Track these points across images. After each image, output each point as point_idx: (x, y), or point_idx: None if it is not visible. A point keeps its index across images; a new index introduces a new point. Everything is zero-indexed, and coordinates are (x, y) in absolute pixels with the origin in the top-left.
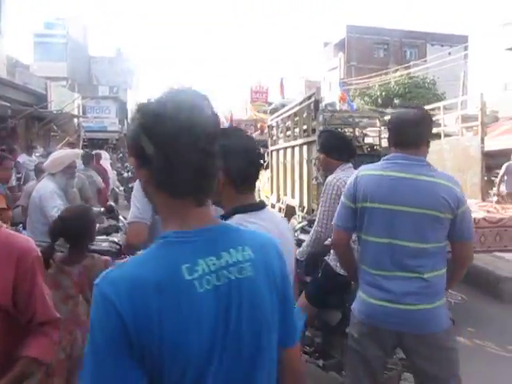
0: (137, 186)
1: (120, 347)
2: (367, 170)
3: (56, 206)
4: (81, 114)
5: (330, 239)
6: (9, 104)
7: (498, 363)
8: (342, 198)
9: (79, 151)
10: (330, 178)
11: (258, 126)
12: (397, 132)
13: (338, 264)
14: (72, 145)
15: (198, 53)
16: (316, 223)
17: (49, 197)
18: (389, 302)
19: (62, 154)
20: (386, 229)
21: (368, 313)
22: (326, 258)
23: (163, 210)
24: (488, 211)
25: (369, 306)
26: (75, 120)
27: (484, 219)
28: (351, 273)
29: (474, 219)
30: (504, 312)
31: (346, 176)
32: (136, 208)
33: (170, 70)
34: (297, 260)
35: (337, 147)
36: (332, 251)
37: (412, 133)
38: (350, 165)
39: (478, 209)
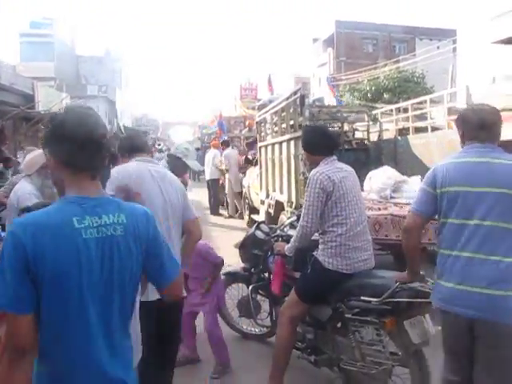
0: None
1: (21, 268)
2: (446, 159)
3: None
4: None
5: (316, 234)
6: None
7: None
8: (423, 184)
9: None
10: (312, 172)
11: (247, 123)
12: (476, 128)
13: (327, 259)
14: None
15: (188, 51)
16: (301, 218)
17: (26, 198)
18: (467, 285)
19: (35, 154)
20: (465, 210)
21: (445, 298)
22: (314, 253)
23: (67, 182)
24: None
25: (446, 290)
26: None
27: None
28: (414, 260)
29: None
30: None
31: (329, 169)
32: None
33: (160, 69)
34: (285, 256)
35: (316, 143)
36: (320, 246)
37: (492, 129)
38: (334, 157)
39: None
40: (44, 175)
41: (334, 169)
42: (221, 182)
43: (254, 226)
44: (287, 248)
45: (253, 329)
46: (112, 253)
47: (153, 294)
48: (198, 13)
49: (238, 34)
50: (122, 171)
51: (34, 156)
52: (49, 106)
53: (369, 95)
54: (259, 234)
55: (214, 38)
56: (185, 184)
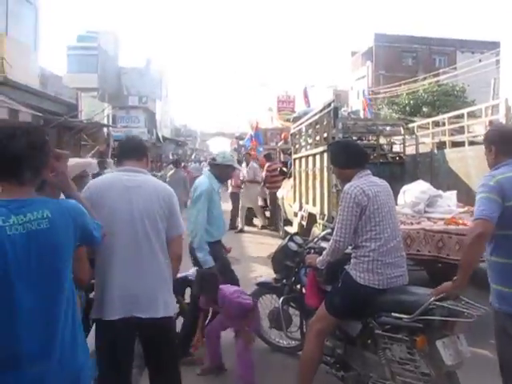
0: None
1: None
2: (505, 172)
3: None
4: (110, 123)
5: (349, 248)
6: (41, 114)
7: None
8: (488, 193)
9: (91, 160)
10: (347, 186)
11: (283, 135)
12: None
13: (359, 274)
14: (101, 153)
15: (228, 62)
16: (334, 233)
17: None
18: None
19: (71, 163)
20: None
21: (501, 301)
22: (346, 267)
23: (3, 189)
24: None
25: (502, 295)
26: (105, 129)
27: None
28: (470, 272)
29: None
30: None
31: (364, 183)
32: None
33: (199, 80)
34: (317, 269)
35: (345, 157)
36: (352, 260)
37: None
38: (368, 171)
39: None
40: (80, 184)
41: (369, 183)
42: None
43: (288, 238)
44: (319, 261)
45: (283, 341)
46: (39, 244)
47: (112, 313)
48: (238, 22)
49: (277, 45)
50: (92, 184)
51: (72, 165)
52: (91, 116)
53: (407, 109)
54: (292, 245)
55: (253, 49)
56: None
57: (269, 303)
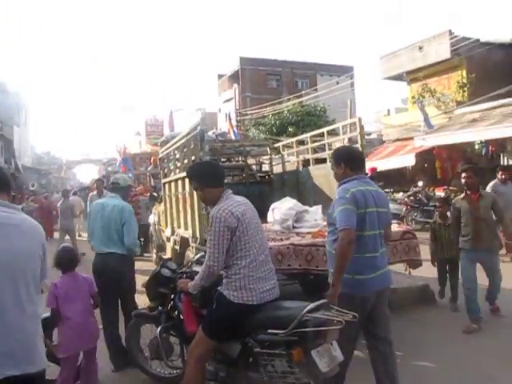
0: None
1: None
2: (355, 186)
3: None
4: None
5: (223, 271)
6: None
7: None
8: (346, 204)
9: None
10: (215, 209)
11: (152, 159)
12: (360, 161)
13: (232, 292)
14: None
15: (93, 84)
16: (207, 257)
17: None
18: None
19: None
20: (371, 224)
21: (357, 287)
22: (218, 288)
23: None
24: None
25: (359, 281)
26: None
27: None
28: (344, 269)
29: None
30: (394, 321)
31: (231, 204)
32: None
33: (61, 104)
34: (190, 293)
35: (205, 175)
36: (224, 280)
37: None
38: (230, 191)
39: None
40: None
41: (235, 203)
42: None
43: (160, 264)
44: (191, 285)
45: (164, 371)
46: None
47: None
48: (104, 43)
49: (145, 68)
50: None
51: None
52: None
53: (274, 129)
54: (165, 271)
55: (119, 70)
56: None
57: (149, 333)
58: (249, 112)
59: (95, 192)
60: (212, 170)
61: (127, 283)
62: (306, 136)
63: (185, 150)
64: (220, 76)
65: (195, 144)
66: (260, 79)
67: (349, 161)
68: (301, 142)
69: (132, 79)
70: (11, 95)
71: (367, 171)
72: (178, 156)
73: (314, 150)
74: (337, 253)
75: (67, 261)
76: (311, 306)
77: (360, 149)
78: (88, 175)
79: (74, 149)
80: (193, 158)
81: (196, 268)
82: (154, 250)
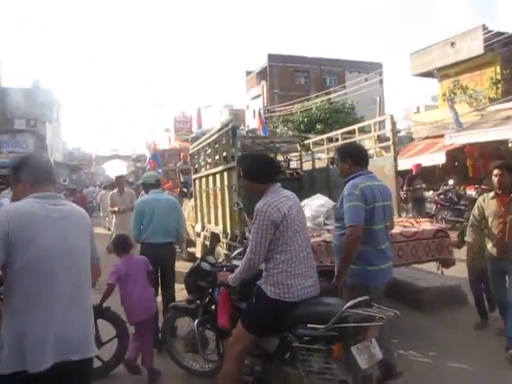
0: None
1: None
2: (363, 182)
3: None
4: None
5: (263, 265)
6: None
7: (422, 368)
8: (355, 201)
9: None
10: (260, 204)
11: (181, 155)
12: (361, 158)
13: (269, 287)
14: None
15: (122, 81)
16: (249, 250)
17: None
18: None
19: None
20: (379, 217)
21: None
22: (258, 282)
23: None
24: (404, 226)
25: (372, 272)
26: None
27: (400, 234)
28: (351, 261)
29: (391, 234)
30: (425, 320)
31: (277, 199)
32: None
33: (92, 100)
34: (230, 286)
35: (258, 170)
36: (263, 274)
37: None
38: (279, 185)
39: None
40: None
41: (282, 198)
42: None
43: (200, 258)
44: (231, 278)
45: (199, 365)
46: None
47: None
48: (133, 41)
49: (173, 65)
50: (11, 215)
51: None
52: None
53: (302, 126)
54: (205, 265)
55: (148, 68)
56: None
57: (186, 326)
58: (277, 109)
59: (116, 190)
60: (265, 165)
61: (173, 270)
62: (337, 133)
63: (216, 146)
64: (248, 73)
65: (227, 140)
66: (288, 76)
67: (354, 156)
68: (330, 139)
69: (161, 76)
70: (44, 92)
71: (412, 168)
72: (208, 152)
73: None
74: (344, 247)
75: (124, 245)
76: (352, 301)
77: (392, 147)
78: (117, 171)
79: (104, 145)
80: (224, 154)
81: (236, 262)
82: (184, 245)
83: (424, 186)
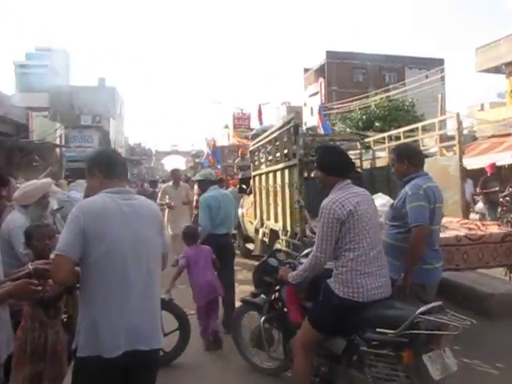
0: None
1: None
2: (425, 183)
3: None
4: (63, 143)
5: (329, 263)
6: None
7: (485, 378)
8: (420, 201)
9: (50, 181)
10: (325, 201)
11: (240, 152)
12: (420, 159)
13: (338, 286)
14: (54, 175)
15: (181, 80)
16: (315, 248)
17: (18, 232)
18: None
19: (32, 186)
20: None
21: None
22: (327, 280)
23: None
24: (469, 228)
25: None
26: (57, 150)
27: (466, 237)
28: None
29: (456, 237)
30: (491, 328)
31: (343, 196)
32: (60, 239)
33: (153, 98)
34: (297, 285)
35: (333, 162)
36: (333, 272)
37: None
38: (348, 181)
39: (459, 226)
40: (43, 206)
41: (348, 194)
42: None
43: (269, 253)
44: (291, 275)
45: (265, 362)
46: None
47: (109, 349)
48: (192, 40)
49: (231, 62)
50: (86, 211)
51: (31, 189)
52: (43, 136)
53: (360, 124)
54: (272, 261)
55: (207, 66)
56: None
57: (252, 321)
58: (334, 106)
59: (171, 182)
60: (339, 158)
61: (234, 256)
62: (398, 131)
63: (277, 143)
64: (306, 70)
65: (288, 138)
66: (346, 73)
67: (412, 158)
68: (392, 138)
69: (220, 73)
70: (109, 90)
71: (486, 168)
72: (269, 149)
73: None
74: (410, 247)
75: (193, 235)
76: (425, 307)
77: (457, 146)
78: (175, 166)
79: (163, 140)
80: (285, 151)
81: (303, 260)
82: (241, 241)
83: (498, 188)
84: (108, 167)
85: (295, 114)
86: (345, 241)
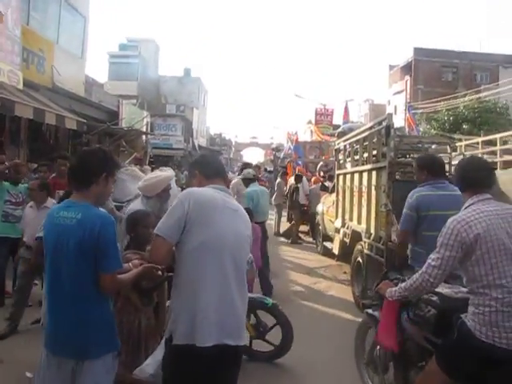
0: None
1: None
2: (424, 190)
3: None
4: (149, 131)
5: (463, 289)
6: (85, 120)
7: None
8: (407, 209)
9: (172, 174)
10: (450, 220)
11: (323, 157)
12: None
13: (478, 327)
14: (139, 160)
15: (265, 73)
16: (425, 268)
17: None
18: None
19: (154, 179)
20: None
21: None
22: (462, 315)
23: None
24: None
25: None
26: (143, 137)
27: None
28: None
29: None
30: None
31: (472, 215)
32: (161, 222)
33: (235, 89)
34: (418, 316)
35: (466, 175)
36: (470, 308)
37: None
38: (487, 196)
39: None
40: (164, 199)
41: (481, 213)
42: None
43: (391, 266)
44: (390, 290)
45: None
46: (68, 240)
47: (208, 339)
48: (276, 33)
49: (313, 55)
50: (194, 197)
51: (154, 182)
52: (131, 123)
53: (446, 125)
54: (392, 275)
55: (291, 60)
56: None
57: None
58: (420, 106)
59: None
60: (475, 171)
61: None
62: (495, 137)
63: (365, 143)
64: (391, 67)
65: (379, 138)
66: (434, 71)
67: (430, 168)
68: (488, 143)
69: (303, 67)
70: (194, 80)
71: None
72: (356, 149)
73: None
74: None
75: (249, 215)
76: None
77: None
78: (254, 158)
79: (243, 132)
80: (374, 152)
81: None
82: (320, 239)
83: None
84: (206, 168)
85: (388, 115)
86: (480, 273)
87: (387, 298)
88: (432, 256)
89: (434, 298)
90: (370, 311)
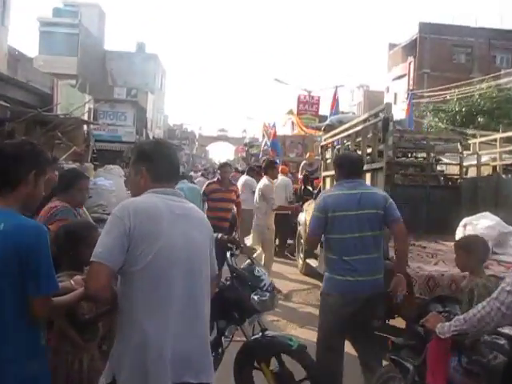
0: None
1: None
2: (333, 191)
3: None
4: (92, 119)
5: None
6: (8, 104)
7: None
8: (316, 211)
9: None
10: None
11: (307, 155)
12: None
13: None
14: (79, 156)
15: (235, 55)
16: (496, 294)
17: None
18: None
19: None
20: None
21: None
22: None
23: None
24: None
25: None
26: (85, 127)
27: None
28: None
29: None
30: None
31: None
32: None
33: (199, 71)
34: (478, 363)
35: None
36: None
37: None
38: None
39: None
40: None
41: None
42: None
43: (434, 297)
44: (442, 325)
45: None
46: None
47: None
48: (254, 7)
49: (299, 34)
50: (133, 211)
51: None
52: (69, 110)
53: (458, 118)
54: (436, 306)
55: (271, 37)
56: None
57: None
58: (425, 94)
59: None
60: None
61: None
62: None
63: (358, 139)
64: (392, 46)
65: (374, 134)
66: (444, 52)
67: (340, 167)
68: (508, 140)
69: (284, 46)
70: (149, 57)
71: None
72: (347, 146)
73: None
74: None
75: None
76: None
77: None
78: (223, 155)
79: (209, 124)
80: (369, 150)
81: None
82: (301, 255)
83: None
84: (161, 167)
85: (386, 105)
86: None
87: (439, 334)
88: (508, 280)
89: (502, 342)
90: (395, 357)
